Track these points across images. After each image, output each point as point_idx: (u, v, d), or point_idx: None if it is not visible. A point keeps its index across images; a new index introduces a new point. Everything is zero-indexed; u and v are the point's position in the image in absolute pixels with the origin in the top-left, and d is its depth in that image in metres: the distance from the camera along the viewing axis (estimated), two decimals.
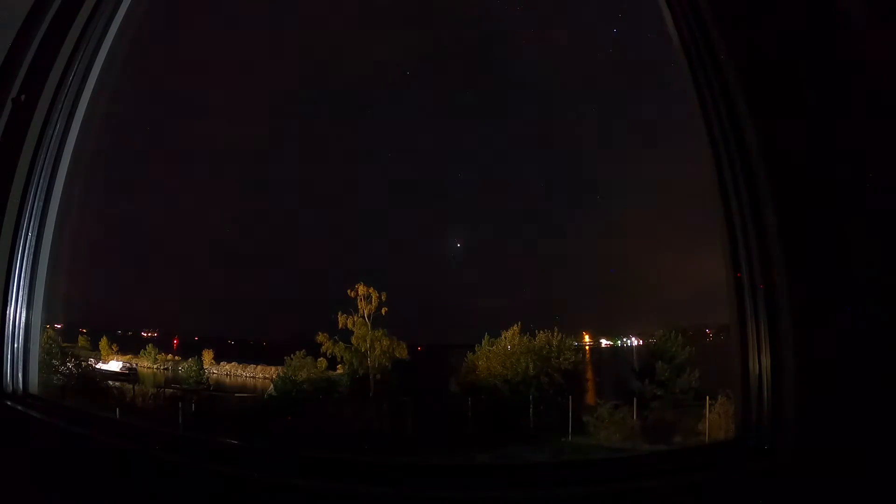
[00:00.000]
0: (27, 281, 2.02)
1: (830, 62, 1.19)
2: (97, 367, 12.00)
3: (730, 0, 1.34)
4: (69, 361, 10.87)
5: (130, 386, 11.55)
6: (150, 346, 13.12)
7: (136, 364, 12.83)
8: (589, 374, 11.14)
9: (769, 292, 1.23)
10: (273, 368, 12.27)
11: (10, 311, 1.97)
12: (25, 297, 2.02)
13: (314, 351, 11.33)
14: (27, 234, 2.01)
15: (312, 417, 9.79)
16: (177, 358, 12.90)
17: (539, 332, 10.89)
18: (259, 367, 13.09)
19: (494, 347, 10.97)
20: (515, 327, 10.98)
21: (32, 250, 2.03)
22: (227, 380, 13.04)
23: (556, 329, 10.92)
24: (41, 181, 2.03)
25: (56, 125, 2.05)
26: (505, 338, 10.96)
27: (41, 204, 2.05)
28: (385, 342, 11.31)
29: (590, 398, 10.29)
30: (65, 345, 11.07)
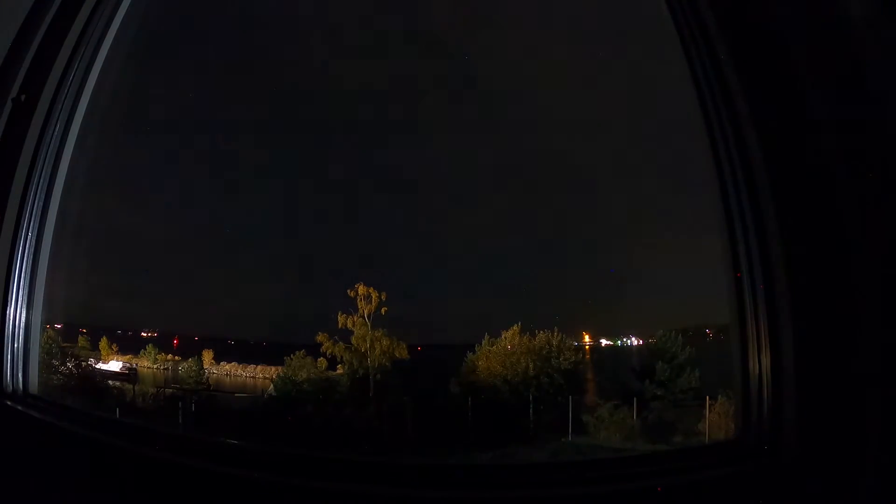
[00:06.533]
0: (27, 281, 2.02)
1: (831, 62, 1.19)
2: (97, 367, 12.00)
3: (730, 1, 1.34)
4: (69, 361, 10.87)
5: (130, 386, 11.55)
6: (150, 346, 13.12)
7: (136, 364, 12.83)
8: (589, 374, 11.13)
9: (769, 292, 1.23)
10: (273, 368, 12.26)
11: (10, 311, 1.97)
12: (25, 297, 2.02)
13: (314, 351, 11.33)
14: (27, 234, 2.01)
15: (312, 417, 9.80)
16: (177, 358, 12.89)
17: (539, 332, 10.90)
18: (259, 367, 13.08)
19: (494, 347, 10.97)
20: (515, 327, 10.99)
21: (32, 250, 2.03)
22: (227, 380, 13.03)
23: (556, 329, 10.94)
24: (41, 181, 2.03)
25: (56, 125, 2.04)
26: (505, 338, 10.97)
27: (41, 204, 2.04)
28: (385, 342, 11.31)
29: (590, 398, 10.28)
30: (65, 345, 11.06)
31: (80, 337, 12.45)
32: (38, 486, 1.53)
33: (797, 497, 1.14)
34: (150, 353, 13.05)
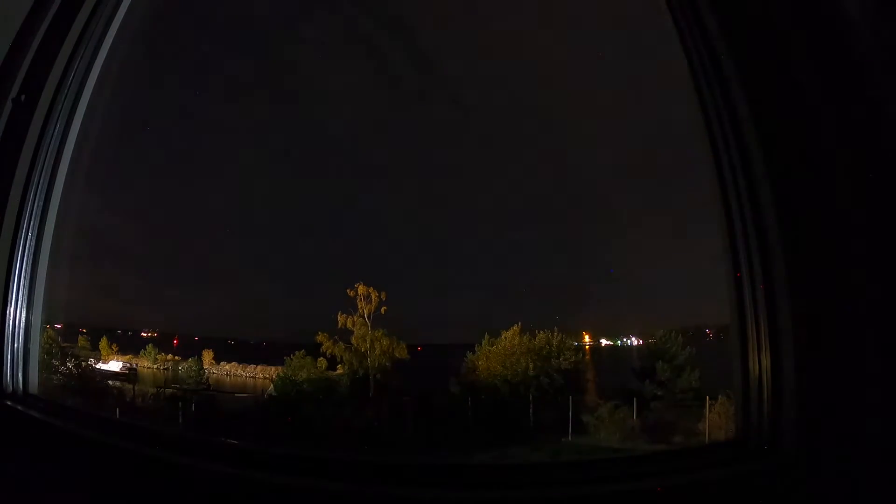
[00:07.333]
0: (27, 281, 2.02)
1: (831, 62, 1.19)
2: (97, 367, 12.00)
3: (730, 1, 1.34)
4: (69, 361, 10.87)
5: (130, 386, 11.56)
6: (150, 346, 13.12)
7: (136, 364, 12.83)
8: (589, 374, 11.14)
9: (769, 292, 1.23)
10: (273, 368, 12.27)
11: (10, 311, 1.97)
12: (25, 297, 2.02)
13: (314, 351, 11.33)
14: (27, 234, 2.01)
15: (312, 417, 9.79)
16: (177, 358, 12.89)
17: (539, 332, 10.91)
18: (259, 367, 13.08)
19: (494, 347, 10.98)
20: (515, 327, 11.00)
21: (32, 250, 2.03)
22: (227, 380, 13.03)
23: (556, 329, 10.95)
24: (41, 181, 2.03)
25: (56, 125, 2.05)
26: (505, 338, 10.97)
27: (41, 204, 2.05)
28: (385, 342, 11.32)
29: (590, 398, 10.28)
30: (65, 345, 11.07)
31: (80, 337, 12.46)
32: (38, 486, 1.53)
33: (797, 497, 1.14)
34: (150, 353, 13.05)
